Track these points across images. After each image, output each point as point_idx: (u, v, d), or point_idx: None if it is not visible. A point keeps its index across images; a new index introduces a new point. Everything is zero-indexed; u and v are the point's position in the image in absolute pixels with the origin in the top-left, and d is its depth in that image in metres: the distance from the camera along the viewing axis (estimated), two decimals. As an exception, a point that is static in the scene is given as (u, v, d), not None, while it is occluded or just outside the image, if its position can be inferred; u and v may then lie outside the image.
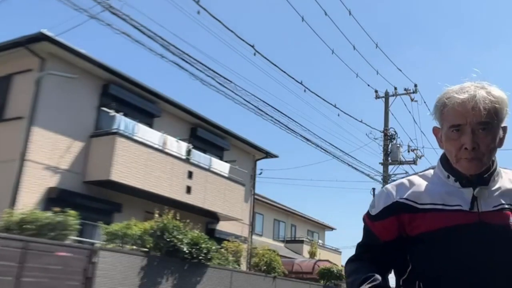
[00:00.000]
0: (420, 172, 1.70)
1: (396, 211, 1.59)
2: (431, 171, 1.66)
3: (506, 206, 1.53)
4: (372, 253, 1.65)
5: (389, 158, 20.60)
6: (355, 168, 19.40)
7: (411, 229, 1.56)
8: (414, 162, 21.06)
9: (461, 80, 1.58)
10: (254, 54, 12.81)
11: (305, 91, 15.42)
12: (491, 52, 63.45)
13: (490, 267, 1.45)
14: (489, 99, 1.48)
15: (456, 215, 1.50)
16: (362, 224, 1.73)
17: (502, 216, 1.51)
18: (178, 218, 12.26)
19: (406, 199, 1.59)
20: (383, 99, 21.36)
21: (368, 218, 1.67)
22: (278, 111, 15.53)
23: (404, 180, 1.66)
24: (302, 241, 31.56)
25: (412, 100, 21.22)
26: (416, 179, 1.64)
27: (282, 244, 30.21)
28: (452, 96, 1.51)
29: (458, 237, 1.48)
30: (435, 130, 1.64)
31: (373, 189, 21.31)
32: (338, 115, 22.46)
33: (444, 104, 1.53)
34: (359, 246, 1.71)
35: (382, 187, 1.72)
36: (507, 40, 61.86)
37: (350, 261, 1.70)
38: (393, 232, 1.60)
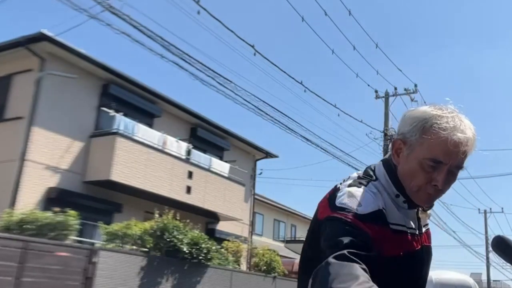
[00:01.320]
0: (363, 179, 1.46)
1: (382, 221, 1.36)
2: (374, 183, 1.44)
3: (428, 226, 1.60)
4: (364, 259, 1.18)
5: (389, 158, 20.56)
6: (355, 168, 19.37)
7: (378, 247, 1.28)
8: (414, 162, 21.02)
9: (448, 94, 1.50)
10: (254, 54, 12.81)
11: (305, 91, 15.41)
12: (490, 52, 63.49)
13: (419, 283, 1.53)
14: (474, 145, 1.38)
15: (414, 239, 1.48)
16: None
17: (429, 235, 1.60)
18: (178, 218, 12.26)
19: (383, 209, 1.38)
20: (383, 99, 21.35)
21: (356, 218, 1.29)
22: (278, 111, 15.51)
23: (373, 187, 1.42)
24: (302, 241, 31.40)
25: (412, 100, 21.21)
26: (375, 188, 1.42)
27: (282, 244, 30.22)
28: (449, 130, 1.34)
29: (415, 261, 1.48)
30: (397, 143, 1.44)
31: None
32: (338, 115, 22.43)
33: (437, 133, 1.35)
34: (345, 246, 1.19)
35: (354, 186, 1.40)
36: (507, 40, 61.89)
37: (339, 262, 1.14)
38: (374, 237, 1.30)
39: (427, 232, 1.59)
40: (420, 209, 1.52)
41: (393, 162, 1.47)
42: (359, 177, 1.47)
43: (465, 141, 1.35)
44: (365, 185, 1.41)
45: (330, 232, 1.28)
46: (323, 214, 1.38)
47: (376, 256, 1.23)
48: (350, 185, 1.40)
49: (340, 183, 1.47)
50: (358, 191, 1.37)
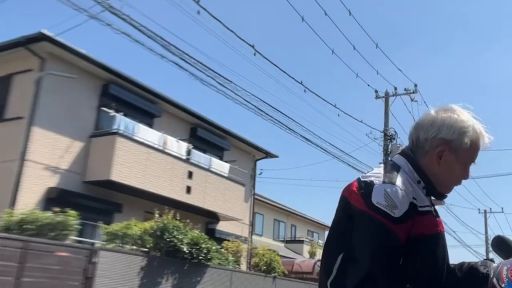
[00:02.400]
0: (391, 166, 1.63)
1: (412, 213, 1.51)
2: (400, 172, 1.60)
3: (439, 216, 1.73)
4: (395, 265, 1.45)
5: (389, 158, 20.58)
6: (355, 168, 19.37)
7: (413, 231, 1.51)
8: (414, 162, 21.01)
9: (460, 96, 1.69)
10: (254, 54, 12.81)
11: (305, 91, 15.40)
12: (490, 51, 63.50)
13: (448, 266, 1.65)
14: None
15: (438, 220, 1.63)
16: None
17: (441, 223, 1.70)
18: (178, 218, 12.26)
19: (414, 198, 1.54)
20: (383, 99, 21.35)
21: (391, 221, 1.44)
22: (278, 111, 15.50)
23: (402, 175, 1.57)
24: (302, 241, 31.55)
25: (412, 100, 21.22)
26: (404, 175, 1.59)
27: (282, 244, 30.21)
28: (483, 139, 1.64)
29: (438, 243, 1.59)
30: (442, 147, 1.61)
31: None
32: (338, 115, 22.44)
33: (478, 141, 1.63)
34: (380, 256, 1.41)
35: (388, 184, 1.52)
36: (507, 40, 61.90)
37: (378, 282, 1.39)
38: (406, 237, 1.49)
39: (440, 219, 1.70)
40: (435, 198, 1.69)
41: (411, 153, 1.67)
42: (387, 172, 1.58)
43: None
44: (396, 180, 1.53)
45: (370, 237, 1.44)
46: (355, 202, 1.52)
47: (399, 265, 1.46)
48: (384, 182, 1.51)
49: (365, 178, 1.57)
50: (394, 191, 1.49)
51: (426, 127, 1.64)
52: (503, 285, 1.53)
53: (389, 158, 1.74)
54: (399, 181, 1.53)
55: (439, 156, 1.62)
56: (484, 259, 1.65)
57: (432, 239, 1.56)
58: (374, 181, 1.52)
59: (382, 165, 1.64)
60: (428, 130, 1.63)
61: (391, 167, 1.61)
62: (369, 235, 1.44)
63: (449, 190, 1.68)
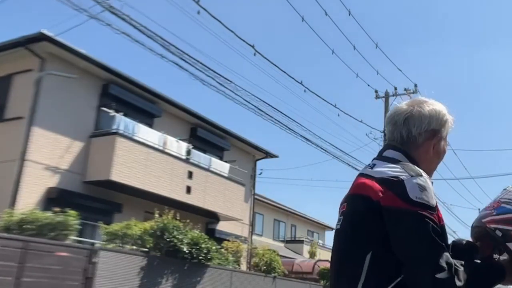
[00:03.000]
0: (401, 160, 1.69)
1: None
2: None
3: None
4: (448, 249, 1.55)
5: (389, 158, 20.55)
6: (355, 168, 19.37)
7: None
8: (414, 162, 21.02)
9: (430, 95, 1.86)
10: (254, 54, 12.82)
11: (305, 91, 15.42)
12: (490, 52, 63.47)
13: None
14: None
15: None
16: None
17: None
18: (178, 218, 12.25)
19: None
20: (383, 99, 21.36)
21: (432, 210, 1.52)
22: (278, 111, 15.52)
23: (422, 171, 1.62)
24: (302, 241, 31.56)
25: (412, 100, 21.19)
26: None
27: (282, 244, 30.21)
28: (450, 116, 1.81)
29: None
30: (436, 139, 1.77)
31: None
32: (338, 115, 22.46)
33: (449, 122, 1.80)
34: (443, 249, 1.48)
35: (416, 177, 1.56)
36: (507, 40, 61.88)
37: (456, 271, 1.47)
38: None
39: None
40: None
41: (402, 147, 1.74)
42: (406, 166, 1.61)
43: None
44: (420, 171, 1.59)
45: (421, 231, 1.47)
46: (391, 203, 1.51)
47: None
48: (412, 176, 1.55)
49: (387, 176, 1.57)
50: (424, 181, 1.55)
51: (417, 122, 1.73)
52: (494, 212, 1.66)
53: (382, 155, 1.75)
54: (422, 171, 1.60)
55: (434, 146, 1.76)
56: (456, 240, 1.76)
57: (444, 228, 1.61)
58: (401, 177, 1.54)
59: (385, 162, 1.66)
60: (421, 125, 1.73)
61: (403, 161, 1.68)
62: (421, 230, 1.47)
63: (432, 173, 1.78)
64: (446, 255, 1.46)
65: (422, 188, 1.52)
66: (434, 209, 1.52)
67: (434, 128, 1.74)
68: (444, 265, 1.43)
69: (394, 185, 1.53)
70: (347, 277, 1.55)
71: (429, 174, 1.71)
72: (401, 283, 1.47)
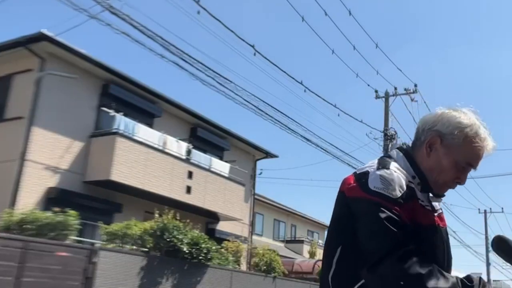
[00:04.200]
0: (384, 157, 1.66)
1: (411, 194, 1.53)
2: (395, 163, 1.60)
3: (441, 211, 1.74)
4: (405, 243, 1.42)
5: (389, 158, 20.54)
6: (355, 168, 19.32)
7: (413, 219, 1.51)
8: (414, 162, 21.01)
9: (467, 98, 1.71)
10: (254, 54, 12.79)
11: (305, 91, 15.38)
12: (490, 51, 63.49)
13: (447, 264, 1.64)
14: None
15: (432, 215, 1.63)
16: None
17: (443, 218, 1.72)
18: (178, 218, 12.25)
19: (410, 182, 1.57)
20: (383, 99, 21.34)
21: (390, 202, 1.45)
22: (278, 111, 15.48)
23: (394, 166, 1.57)
24: (302, 241, 31.55)
25: (412, 100, 21.20)
26: (399, 168, 1.59)
27: (282, 244, 30.21)
28: (485, 142, 1.60)
29: (436, 235, 1.61)
30: (434, 139, 1.62)
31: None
32: (338, 115, 22.39)
33: (476, 142, 1.58)
34: (396, 245, 1.40)
35: (382, 169, 1.53)
36: (507, 39, 61.89)
37: (407, 265, 1.36)
38: (409, 219, 1.49)
39: (440, 216, 1.71)
40: (432, 195, 1.68)
41: (409, 149, 1.67)
42: (380, 160, 1.60)
43: (493, 150, 1.62)
44: (390, 165, 1.55)
45: (372, 219, 1.43)
46: (353, 193, 1.53)
47: (411, 237, 1.44)
48: (378, 168, 1.54)
49: (360, 170, 1.60)
50: (388, 174, 1.51)
51: (426, 119, 1.67)
52: None
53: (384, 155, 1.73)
54: (392, 166, 1.56)
55: (429, 147, 1.62)
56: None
57: (429, 230, 1.58)
58: (369, 170, 1.56)
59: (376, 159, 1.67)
60: (427, 122, 1.65)
61: (384, 157, 1.66)
62: (372, 218, 1.44)
63: (440, 189, 1.64)
64: (396, 243, 1.39)
65: (384, 179, 1.49)
66: (394, 201, 1.45)
67: (438, 129, 1.61)
68: (388, 255, 1.37)
69: (360, 177, 1.55)
70: (324, 268, 1.62)
71: (433, 186, 1.62)
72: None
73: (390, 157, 1.65)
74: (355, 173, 1.61)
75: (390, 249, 1.38)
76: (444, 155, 1.59)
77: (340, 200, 1.60)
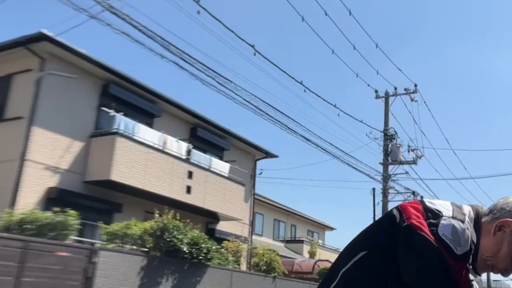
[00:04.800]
0: (461, 207, 1.61)
1: (469, 255, 1.51)
2: (466, 224, 1.56)
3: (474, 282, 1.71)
4: None
5: (389, 158, 20.58)
6: (355, 168, 19.31)
7: (459, 279, 1.50)
8: (414, 162, 21.06)
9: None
10: (254, 54, 12.77)
11: (305, 91, 15.36)
12: (490, 52, 63.48)
13: None
14: None
15: (472, 284, 1.59)
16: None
17: None
18: (178, 218, 12.25)
19: (473, 242, 1.54)
20: (383, 99, 21.37)
21: (452, 257, 1.45)
22: (278, 111, 15.44)
23: (468, 222, 1.54)
24: (302, 241, 31.55)
25: (412, 100, 21.22)
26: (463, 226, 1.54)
27: (282, 244, 30.21)
28: None
29: None
30: (508, 223, 1.55)
31: (373, 189, 21.16)
32: (338, 115, 22.38)
33: None
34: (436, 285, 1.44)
35: (458, 220, 1.53)
36: (507, 40, 61.90)
37: None
38: (460, 280, 1.49)
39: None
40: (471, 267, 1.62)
41: (480, 215, 1.61)
42: (456, 209, 1.57)
43: None
44: (465, 219, 1.53)
45: (430, 266, 1.43)
46: (417, 226, 1.48)
47: None
48: (454, 217, 1.51)
49: (431, 205, 1.55)
50: (462, 228, 1.50)
51: (510, 201, 1.61)
52: None
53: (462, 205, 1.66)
54: (467, 222, 1.54)
55: (499, 227, 1.55)
56: None
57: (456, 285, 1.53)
58: (443, 212, 1.53)
59: (448, 201, 1.63)
60: (509, 204, 1.60)
61: (461, 207, 1.60)
62: (428, 263, 1.44)
63: (482, 269, 1.61)
64: None
65: (455, 232, 1.48)
66: (457, 257, 1.46)
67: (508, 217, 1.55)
68: None
69: (433, 215, 1.52)
70: (339, 259, 1.67)
71: (477, 264, 1.58)
72: None
73: (461, 208, 1.61)
74: (422, 201, 1.58)
75: None
76: (510, 243, 1.53)
77: (393, 216, 1.57)
